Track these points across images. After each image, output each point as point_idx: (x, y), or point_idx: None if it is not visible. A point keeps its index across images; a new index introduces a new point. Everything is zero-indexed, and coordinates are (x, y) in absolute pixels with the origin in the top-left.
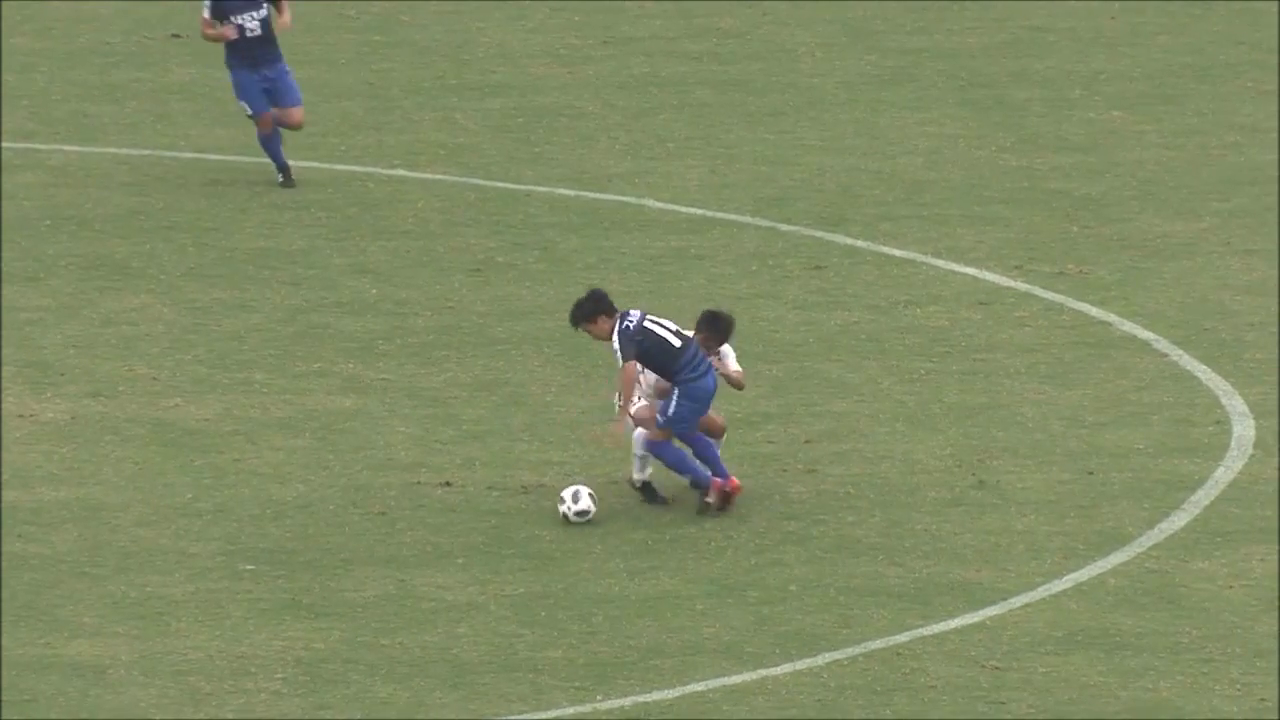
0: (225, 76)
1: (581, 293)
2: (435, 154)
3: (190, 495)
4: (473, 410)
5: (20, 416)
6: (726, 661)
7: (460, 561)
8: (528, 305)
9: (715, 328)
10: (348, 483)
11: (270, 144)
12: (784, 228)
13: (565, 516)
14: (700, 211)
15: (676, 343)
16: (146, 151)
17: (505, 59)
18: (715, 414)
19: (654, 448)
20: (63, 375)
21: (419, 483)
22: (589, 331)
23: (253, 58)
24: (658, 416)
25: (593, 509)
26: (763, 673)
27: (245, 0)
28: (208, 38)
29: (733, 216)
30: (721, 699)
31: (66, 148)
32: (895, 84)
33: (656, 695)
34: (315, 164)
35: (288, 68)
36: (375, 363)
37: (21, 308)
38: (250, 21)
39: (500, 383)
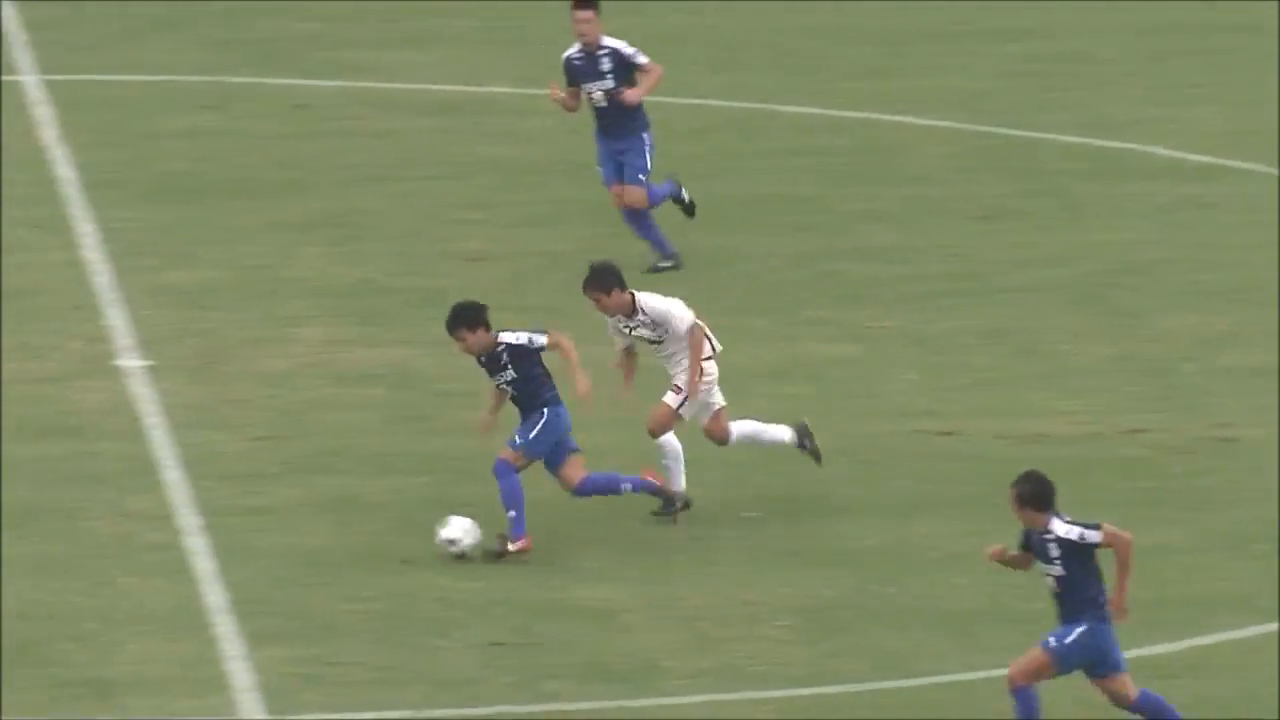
0: (704, 20)
1: (1098, 240)
2: (949, 99)
3: (691, 442)
4: (981, 358)
5: None
6: (1237, 615)
7: (960, 511)
8: (1039, 253)
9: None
10: (849, 430)
11: (636, 223)
12: None
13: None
14: (1212, 159)
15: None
16: (654, 98)
17: (1025, 4)
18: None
19: (502, 468)
20: (567, 320)
21: (921, 431)
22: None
23: (603, 128)
24: (515, 439)
25: (463, 543)
26: (1275, 626)
27: (590, 70)
28: (555, 101)
29: (1245, 164)
30: (1230, 651)
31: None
32: None
33: (1160, 648)
34: (828, 110)
35: (646, 143)
36: (883, 309)
37: (534, 252)
38: (595, 92)
39: (1010, 330)
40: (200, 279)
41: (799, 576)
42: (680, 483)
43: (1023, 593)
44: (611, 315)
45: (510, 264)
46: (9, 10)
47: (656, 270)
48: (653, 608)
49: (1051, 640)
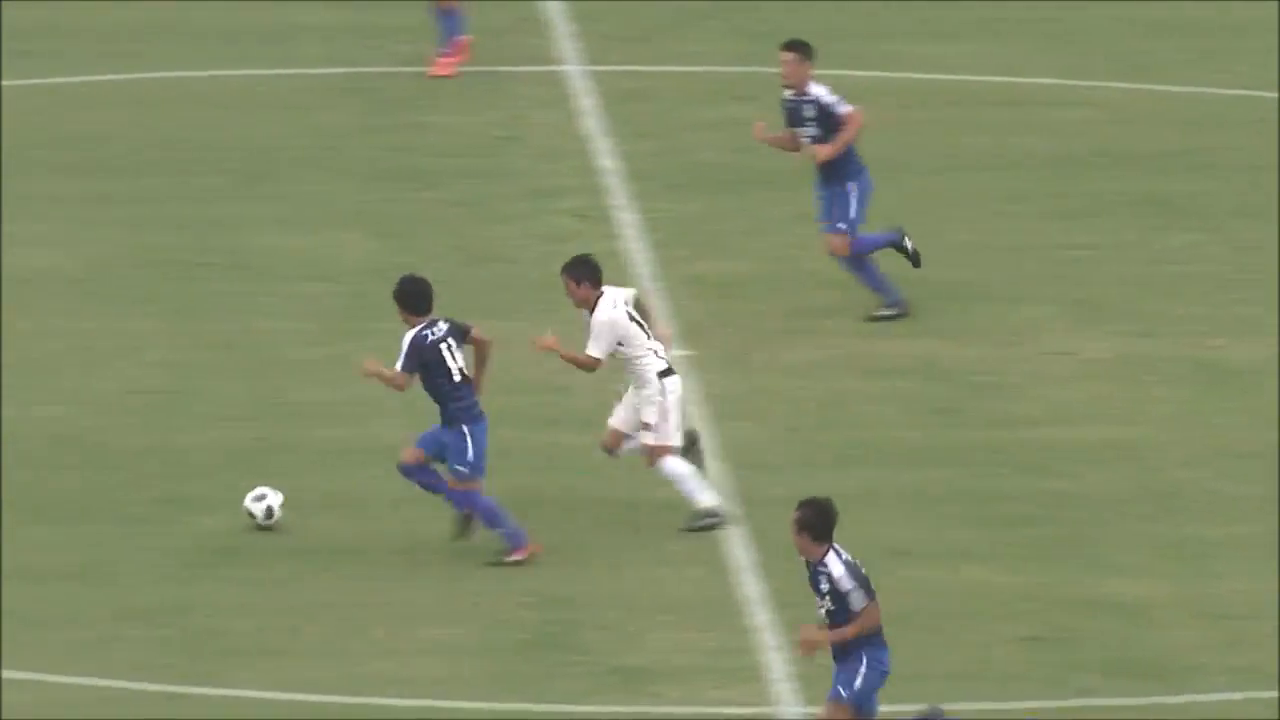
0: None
1: None
2: None
3: (1233, 437)
4: None
5: (1062, 354)
6: None
7: None
8: None
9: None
10: None
11: (855, 268)
12: None
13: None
14: None
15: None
16: (1199, 89)
17: None
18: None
19: (465, 499)
20: (1111, 313)
21: None
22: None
23: (818, 171)
24: (459, 469)
25: (260, 517)
26: None
27: (796, 115)
28: (762, 139)
29: None
30: None
31: (1118, 84)
32: None
33: None
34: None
35: (851, 192)
36: None
37: (1072, 244)
38: (804, 138)
39: None
40: (730, 270)
41: None
42: (704, 498)
43: None
44: (577, 305)
45: (1047, 256)
46: (556, 3)
47: (877, 319)
48: (1186, 604)
49: (842, 690)
